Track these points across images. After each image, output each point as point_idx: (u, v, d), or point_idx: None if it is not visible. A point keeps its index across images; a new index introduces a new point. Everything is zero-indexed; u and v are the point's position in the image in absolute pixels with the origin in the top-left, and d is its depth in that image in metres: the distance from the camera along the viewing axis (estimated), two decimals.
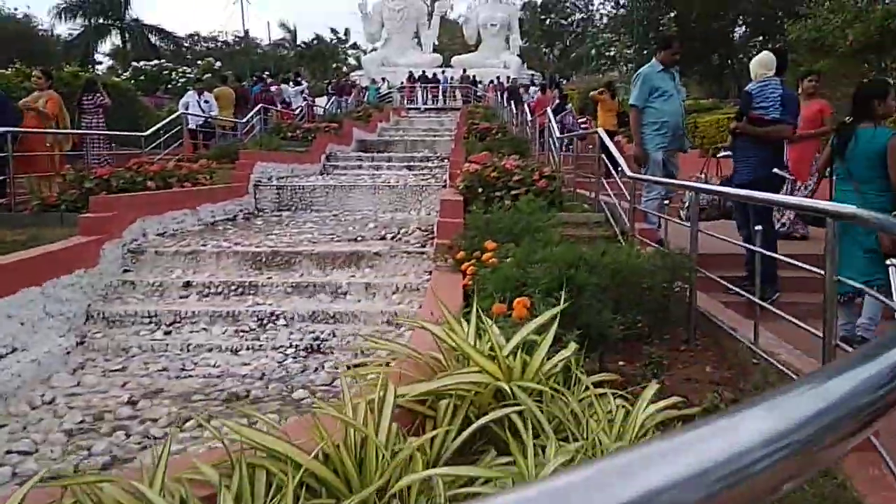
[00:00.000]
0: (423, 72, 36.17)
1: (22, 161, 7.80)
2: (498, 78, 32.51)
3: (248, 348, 5.23)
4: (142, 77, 24.67)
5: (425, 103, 33.58)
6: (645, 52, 36.81)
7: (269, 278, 6.04)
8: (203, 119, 12.94)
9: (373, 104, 28.14)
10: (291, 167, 12.09)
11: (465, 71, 36.65)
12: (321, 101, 25.26)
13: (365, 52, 51.54)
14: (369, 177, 11.84)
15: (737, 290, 4.00)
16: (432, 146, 17.52)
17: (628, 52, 39.60)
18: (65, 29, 37.16)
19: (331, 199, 9.97)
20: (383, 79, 37.07)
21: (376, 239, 6.99)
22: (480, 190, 6.57)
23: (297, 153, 13.33)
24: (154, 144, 10.97)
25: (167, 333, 5.44)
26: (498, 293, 3.20)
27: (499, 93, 27.21)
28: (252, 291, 5.93)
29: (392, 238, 6.99)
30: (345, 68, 52.97)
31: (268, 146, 11.77)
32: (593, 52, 57.10)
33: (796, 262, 3.02)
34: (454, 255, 4.74)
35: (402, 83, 36.04)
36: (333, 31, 58.24)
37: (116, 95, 15.36)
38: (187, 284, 5.95)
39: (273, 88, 21.66)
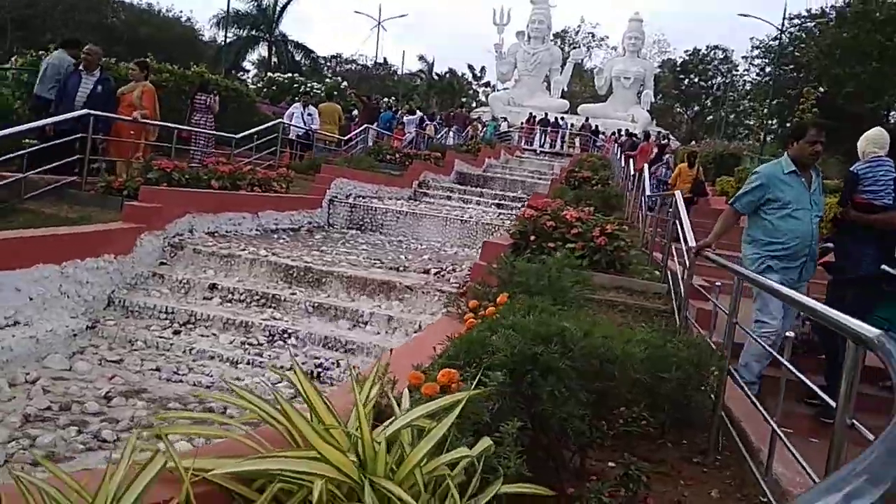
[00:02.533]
0: (546, 115, 35.86)
1: (109, 145, 8.12)
2: (619, 130, 31.60)
3: (248, 363, 4.97)
4: (274, 87, 25.91)
5: (542, 146, 33.25)
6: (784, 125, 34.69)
7: (294, 294, 5.79)
8: (303, 130, 13.19)
9: (487, 140, 28.09)
10: (378, 188, 12.02)
11: (587, 119, 36.01)
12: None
13: (495, 90, 52.15)
14: (451, 209, 11.55)
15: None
16: (531, 188, 17.05)
17: (770, 123, 37.59)
18: (217, 34, 40.08)
19: (401, 224, 9.74)
20: (504, 118, 37.13)
21: (419, 272, 6.61)
22: (533, 237, 6.05)
23: (388, 175, 13.29)
24: (246, 147, 11.22)
25: (176, 333, 5.29)
26: (455, 359, 2.71)
27: (616, 144, 26.37)
28: (273, 304, 5.70)
29: (436, 273, 6.58)
30: (474, 104, 53.81)
31: (357, 164, 11.75)
32: (731, 117, 54.81)
33: None
34: (467, 303, 4.27)
35: (521, 124, 35.95)
36: (470, 67, 59.44)
37: (235, 99, 16.10)
38: (213, 287, 5.82)
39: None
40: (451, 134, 25.94)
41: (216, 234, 7.02)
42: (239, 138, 10.49)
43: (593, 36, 62.93)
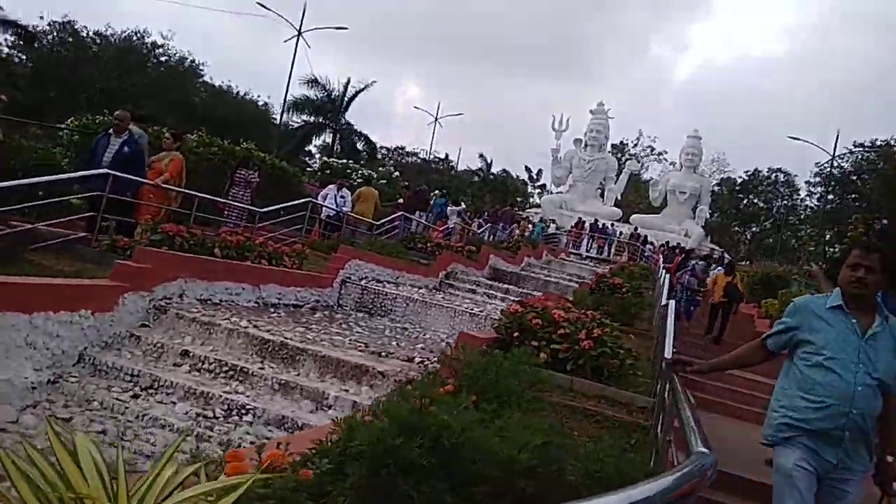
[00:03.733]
0: (596, 220, 35.81)
1: (132, 207, 8.37)
2: (668, 242, 31.18)
3: (197, 435, 4.78)
4: (328, 170, 26.81)
5: (588, 251, 33.02)
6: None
7: (262, 369, 5.64)
8: (335, 212, 13.43)
9: (531, 240, 28.09)
10: (398, 274, 11.98)
11: (636, 229, 35.76)
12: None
13: (549, 193, 52.76)
14: (467, 301, 11.37)
15: None
16: (564, 289, 16.76)
17: (833, 251, 36.52)
18: (289, 118, 42.16)
19: (410, 311, 9.59)
20: (553, 220, 37.26)
21: (403, 359, 6.39)
22: (517, 334, 5.79)
23: (414, 263, 13.28)
24: (275, 221, 11.45)
25: (135, 397, 5.18)
26: (331, 445, 2.49)
27: (661, 256, 25.94)
28: (241, 378, 5.55)
29: (419, 362, 6.35)
30: (528, 204, 54.49)
31: (378, 248, 11.79)
32: (793, 242, 53.55)
33: None
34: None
35: (570, 227, 35.96)
36: (527, 169, 60.62)
37: (281, 178, 16.67)
38: (185, 353, 5.73)
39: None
40: (496, 230, 26.09)
41: (208, 302, 7.01)
42: (263, 212, 10.71)
43: (652, 149, 63.56)
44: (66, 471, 1.59)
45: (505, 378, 3.98)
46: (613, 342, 6.07)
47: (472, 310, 9.69)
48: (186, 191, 8.92)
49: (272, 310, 7.74)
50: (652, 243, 33.85)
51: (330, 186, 14.31)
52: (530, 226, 33.60)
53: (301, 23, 33.55)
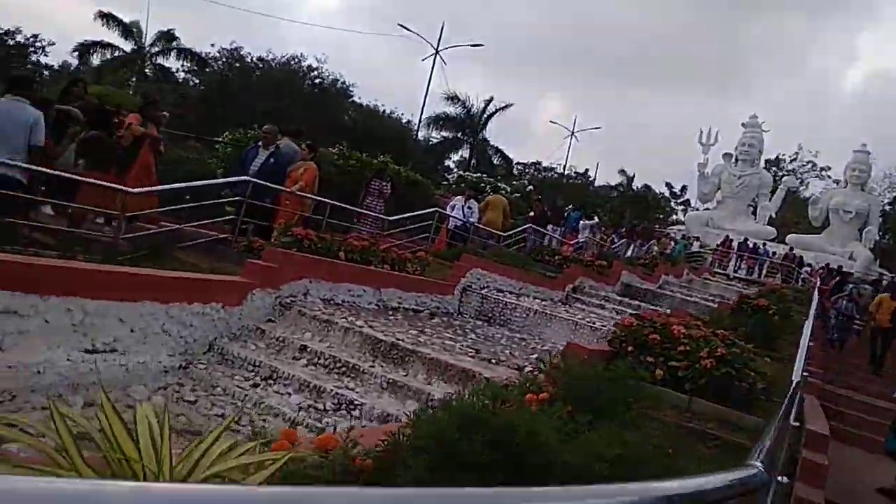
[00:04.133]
0: (745, 239, 33.55)
1: (270, 212, 8.96)
2: (828, 265, 28.49)
3: (306, 425, 4.97)
4: (462, 184, 27.25)
5: (736, 272, 30.97)
6: None
7: (373, 367, 5.77)
8: (461, 222, 13.58)
9: (672, 258, 26.82)
10: (522, 285, 11.87)
11: (792, 249, 33.05)
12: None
13: (695, 209, 50.17)
14: (591, 315, 11.03)
15: None
16: (703, 310, 15.82)
17: None
18: (430, 134, 43.37)
19: (529, 322, 9.45)
20: (697, 238, 35.36)
21: (512, 367, 6.29)
22: (631, 348, 5.50)
23: (539, 275, 13.11)
24: (403, 229, 11.78)
25: (254, 386, 5.49)
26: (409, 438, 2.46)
27: (818, 279, 23.76)
28: (352, 374, 5.72)
29: (530, 371, 6.21)
30: (670, 221, 52.13)
31: (502, 259, 11.75)
32: None
33: None
34: None
35: (716, 246, 33.93)
36: (668, 185, 58.07)
37: (413, 188, 17.16)
38: (303, 348, 6.00)
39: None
40: (631, 247, 25.21)
41: (331, 302, 7.31)
42: (391, 220, 11.04)
43: (813, 165, 58.52)
44: (116, 435, 1.69)
45: (605, 390, 3.77)
46: (743, 364, 5.60)
47: (594, 324, 9.38)
48: (319, 198, 9.39)
49: (391, 312, 7.92)
50: (810, 265, 31.12)
51: (458, 197, 14.51)
52: (672, 243, 32.12)
53: (439, 41, 34.48)
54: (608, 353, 5.65)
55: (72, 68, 38.39)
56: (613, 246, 24.11)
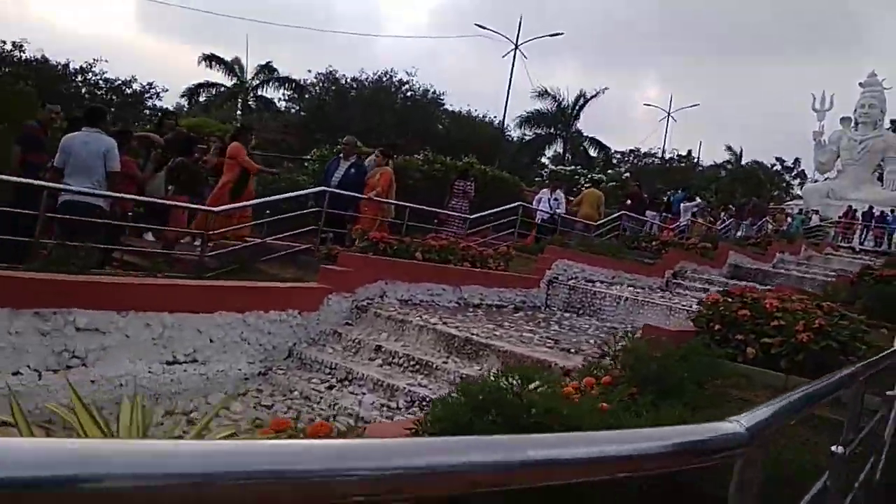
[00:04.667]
0: (870, 208, 30.84)
1: (350, 220, 9.13)
2: None
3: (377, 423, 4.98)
4: (556, 179, 26.78)
5: (862, 244, 28.53)
6: None
7: (446, 363, 5.70)
8: (548, 214, 13.29)
9: (789, 235, 25.10)
10: (615, 273, 11.44)
11: None
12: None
13: (813, 181, 46.78)
14: (696, 300, 10.44)
15: None
16: (820, 286, 14.64)
17: None
18: (523, 133, 43.02)
19: (620, 310, 9.08)
20: (816, 211, 32.89)
21: (595, 356, 6.02)
22: (718, 327, 5.10)
23: (634, 262, 12.60)
24: (486, 226, 11.68)
25: (330, 388, 5.56)
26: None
27: None
28: (426, 372, 5.68)
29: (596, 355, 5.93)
30: (787, 196, 48.84)
31: (591, 248, 11.37)
32: None
33: None
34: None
35: (838, 218, 31.42)
36: (779, 159, 54.53)
37: (499, 186, 17.00)
38: (378, 349, 6.03)
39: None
40: (740, 227, 23.77)
41: (409, 302, 7.32)
42: (473, 218, 10.96)
43: None
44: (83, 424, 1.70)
45: (674, 369, 3.51)
46: (850, 336, 5.07)
47: (690, 307, 8.85)
48: (396, 202, 9.47)
49: (471, 309, 7.83)
50: None
51: (544, 190, 14.22)
52: (788, 219, 30.11)
53: (517, 36, 34.08)
54: (692, 333, 5.28)
55: (184, 109, 41.22)
56: (722, 226, 22.85)
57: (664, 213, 21.87)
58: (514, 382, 2.53)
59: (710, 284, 13.28)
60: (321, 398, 5.37)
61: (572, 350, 6.20)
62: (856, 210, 31.02)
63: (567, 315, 9.11)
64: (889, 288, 9.22)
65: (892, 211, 30.83)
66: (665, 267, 13.28)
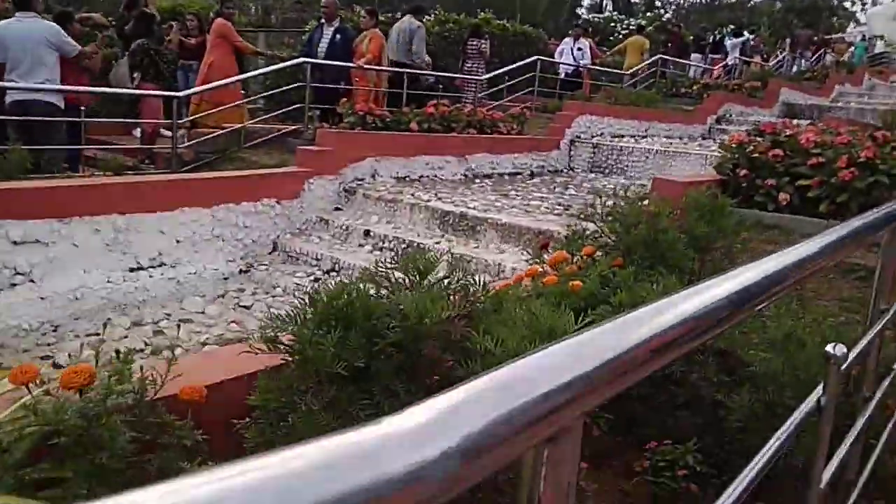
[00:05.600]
0: None
1: (337, 96, 8.30)
2: None
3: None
4: (589, 28, 24.76)
5: None
6: None
7: (438, 243, 5.11)
8: (573, 67, 12.07)
9: (850, 65, 22.90)
10: (647, 125, 10.42)
11: None
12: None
13: (878, 4, 42.36)
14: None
15: None
16: (888, 115, 13.23)
17: None
18: None
19: (650, 165, 8.22)
20: (880, 37, 29.84)
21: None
22: (744, 173, 4.28)
23: (672, 110, 11.50)
24: (499, 88, 10.70)
25: (315, 280, 5.09)
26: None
27: None
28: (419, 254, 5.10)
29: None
30: (852, 24, 44.51)
31: (620, 100, 10.29)
32: None
33: None
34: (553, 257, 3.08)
35: None
36: None
37: (524, 43, 15.60)
38: (367, 233, 5.46)
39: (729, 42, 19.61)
40: (796, 61, 21.68)
41: (406, 179, 6.66)
42: (485, 79, 9.97)
43: None
44: None
45: (665, 230, 2.81)
46: None
47: None
48: (390, 69, 8.56)
49: (478, 181, 7.12)
50: None
51: (566, 40, 12.86)
52: (851, 48, 27.46)
53: None
54: (716, 182, 4.49)
55: None
56: (776, 62, 20.89)
57: (711, 55, 20.06)
58: (412, 277, 1.91)
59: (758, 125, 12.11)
60: (305, 292, 4.89)
61: (582, 215, 5.48)
62: None
63: (592, 176, 8.32)
64: None
65: None
66: (707, 112, 12.10)
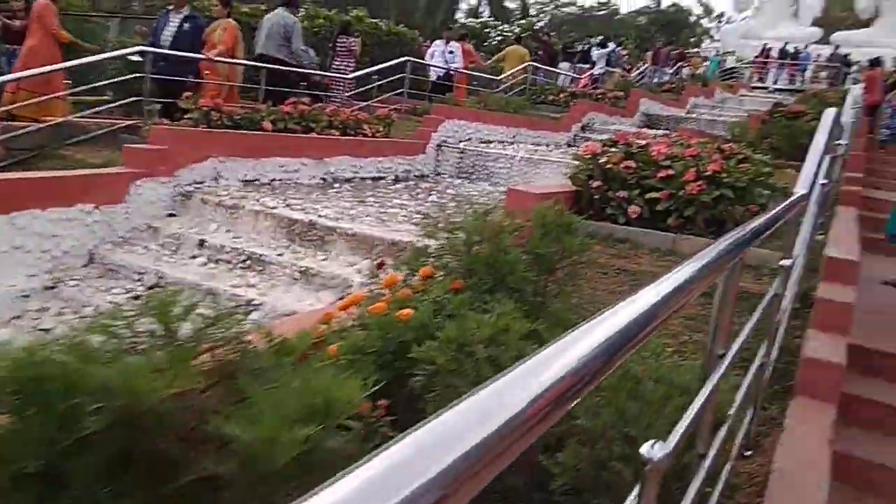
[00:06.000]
0: (785, 45, 30.36)
1: (182, 89, 7.59)
2: (878, 58, 25.52)
3: None
4: (467, 34, 24.88)
5: (775, 83, 28.25)
6: None
7: (281, 255, 4.65)
8: (444, 70, 11.90)
9: (703, 78, 24.44)
10: (515, 131, 10.40)
11: (836, 48, 29.87)
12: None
13: (728, 22, 46.01)
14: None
15: None
16: (735, 127, 14.08)
17: None
18: None
19: (515, 172, 8.13)
20: (731, 52, 32.29)
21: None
22: (597, 184, 4.17)
23: (537, 117, 11.57)
24: (369, 87, 10.32)
25: (135, 298, 4.44)
26: None
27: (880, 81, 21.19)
28: (258, 268, 4.62)
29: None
30: (707, 40, 47.91)
31: (488, 106, 10.21)
32: None
33: None
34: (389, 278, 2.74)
35: (754, 58, 30.89)
36: (700, 2, 53.15)
37: (397, 44, 15.29)
38: (202, 244, 4.89)
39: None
40: (655, 74, 22.86)
41: (255, 182, 6.11)
42: (349, 79, 9.56)
43: None
44: None
45: (507, 251, 2.55)
46: (750, 179, 4.23)
47: None
48: (246, 62, 7.95)
49: (337, 185, 6.70)
50: (858, 62, 28.04)
51: (437, 42, 12.67)
52: (705, 62, 29.41)
53: None
54: (571, 194, 4.35)
55: None
56: (638, 73, 21.90)
57: (579, 65, 20.73)
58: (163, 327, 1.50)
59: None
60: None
61: (441, 224, 5.21)
62: (769, 48, 30.45)
63: (458, 182, 8.12)
64: (798, 124, 8.55)
65: (806, 47, 30.50)
66: (573, 120, 12.31)
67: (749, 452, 2.34)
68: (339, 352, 2.06)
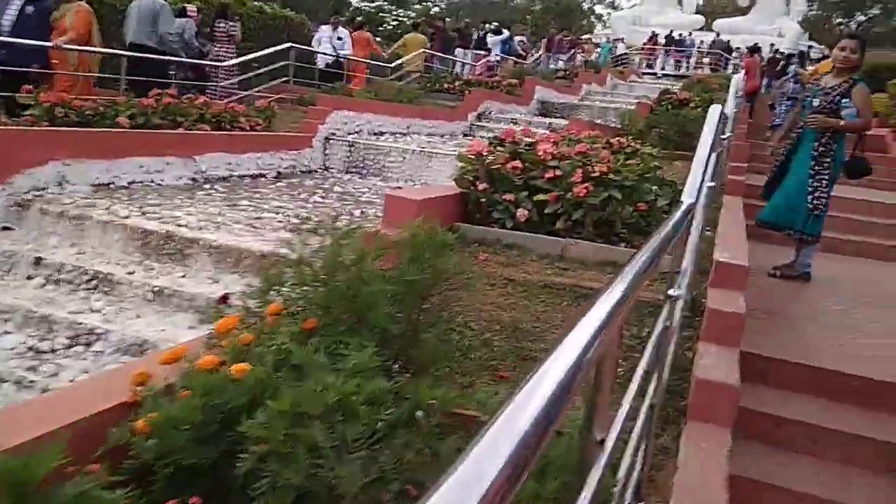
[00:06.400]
0: (671, 32, 31.52)
1: (42, 78, 6.74)
2: (756, 45, 26.92)
3: (14, 381, 3.37)
4: (359, 17, 24.16)
5: (663, 69, 29.29)
6: None
7: (132, 273, 4.09)
8: (333, 57, 11.34)
9: (595, 65, 24.90)
10: (409, 122, 10.03)
11: (718, 35, 31.32)
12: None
13: (618, 9, 47.37)
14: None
15: None
16: (626, 116, 14.30)
17: None
18: None
19: (407, 165, 7.78)
20: (621, 39, 33.18)
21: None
22: (483, 186, 3.88)
23: (432, 107, 11.24)
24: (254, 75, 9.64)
25: None
26: None
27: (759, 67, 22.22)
28: (105, 289, 4.04)
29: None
30: (600, 26, 49.12)
31: (380, 96, 9.78)
32: None
33: None
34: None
35: (643, 45, 31.88)
36: None
37: (284, 28, 14.51)
38: (38, 262, 4.25)
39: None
40: (549, 61, 23.06)
41: (110, 187, 5.44)
42: (229, 66, 8.87)
43: None
44: None
45: (366, 280, 2.19)
46: (639, 176, 4.07)
47: None
48: (102, 50, 7.15)
49: (208, 186, 6.11)
50: (738, 48, 29.49)
51: (323, 27, 12.07)
52: (597, 49, 30.03)
53: None
54: (457, 196, 4.03)
55: None
56: (533, 61, 22.01)
57: (475, 51, 20.55)
58: None
59: (516, 124, 12.36)
60: None
61: (321, 231, 4.78)
62: (656, 35, 31.51)
63: (347, 178, 7.67)
64: (685, 112, 8.65)
65: (690, 34, 31.78)
66: (468, 109, 12.09)
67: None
68: (147, 429, 1.64)
